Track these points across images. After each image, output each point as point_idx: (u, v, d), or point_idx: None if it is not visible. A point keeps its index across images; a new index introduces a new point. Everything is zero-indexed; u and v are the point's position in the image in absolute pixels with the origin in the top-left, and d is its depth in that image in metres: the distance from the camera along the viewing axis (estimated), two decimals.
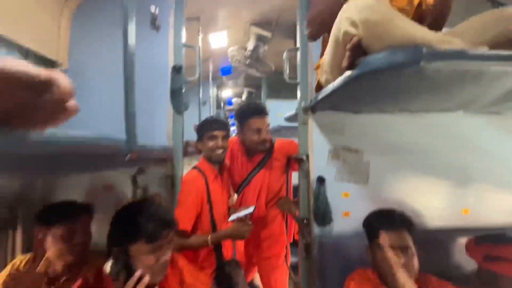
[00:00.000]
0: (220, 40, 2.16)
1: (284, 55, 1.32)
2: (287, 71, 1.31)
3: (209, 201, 1.25)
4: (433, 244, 1.17)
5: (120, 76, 0.84)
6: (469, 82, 0.72)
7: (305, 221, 1.20)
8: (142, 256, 0.76)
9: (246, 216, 1.20)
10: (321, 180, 1.18)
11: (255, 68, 2.26)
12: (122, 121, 0.79)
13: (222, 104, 4.69)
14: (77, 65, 1.12)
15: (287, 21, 2.12)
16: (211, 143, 1.29)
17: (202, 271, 1.16)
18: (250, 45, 2.07)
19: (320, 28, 0.96)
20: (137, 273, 0.73)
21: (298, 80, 1.25)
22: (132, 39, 0.75)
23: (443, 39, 0.65)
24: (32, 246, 0.99)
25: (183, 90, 1.15)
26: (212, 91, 3.36)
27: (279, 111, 3.30)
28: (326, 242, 1.14)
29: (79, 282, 0.83)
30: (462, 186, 1.28)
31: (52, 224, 0.88)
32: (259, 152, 1.46)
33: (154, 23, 1.12)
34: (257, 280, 1.78)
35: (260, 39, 2.08)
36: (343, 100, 1.02)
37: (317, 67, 1.03)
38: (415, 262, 0.88)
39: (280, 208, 1.43)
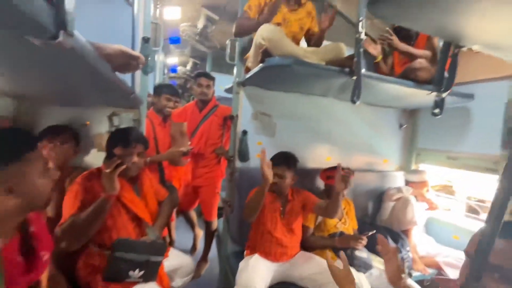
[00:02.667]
0: (173, 14, 2.46)
1: (227, 41, 1.82)
2: (228, 54, 1.83)
3: (155, 137, 1.77)
4: (308, 176, 1.95)
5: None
6: (316, 78, 1.41)
7: (231, 158, 1.81)
8: (121, 156, 1.18)
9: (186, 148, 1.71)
10: (244, 132, 1.79)
11: (203, 44, 2.66)
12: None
13: (165, 71, 4.80)
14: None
15: (234, 8, 2.56)
16: (165, 102, 1.78)
17: None
18: (200, 24, 2.45)
19: (238, 35, 1.54)
20: (115, 159, 1.10)
21: (236, 62, 1.79)
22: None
23: (306, 55, 1.30)
24: None
25: (149, 57, 1.54)
26: (159, 57, 3.54)
27: (221, 84, 3.79)
28: (243, 171, 1.79)
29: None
30: (329, 144, 2.10)
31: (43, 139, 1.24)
32: (206, 108, 2.05)
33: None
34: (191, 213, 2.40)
35: (209, 20, 2.48)
36: (261, 81, 1.62)
37: (247, 57, 1.59)
38: (287, 183, 1.53)
39: (216, 152, 2.01)
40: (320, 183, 1.93)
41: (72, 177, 1.26)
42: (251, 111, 1.82)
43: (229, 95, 3.00)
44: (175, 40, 3.27)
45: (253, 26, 1.34)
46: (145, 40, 1.52)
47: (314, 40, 1.53)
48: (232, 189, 1.78)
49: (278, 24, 1.47)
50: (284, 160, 1.55)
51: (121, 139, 1.23)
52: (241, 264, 1.44)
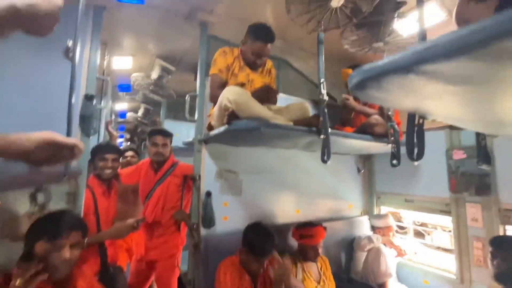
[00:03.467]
0: (124, 63, 2.29)
1: (186, 97, 1.71)
2: (188, 110, 1.70)
3: (96, 211, 1.47)
4: (278, 233, 1.80)
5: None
6: (285, 137, 1.36)
7: (195, 225, 1.57)
8: (45, 252, 0.87)
9: (136, 221, 1.44)
10: (208, 194, 1.60)
11: (157, 93, 2.50)
12: None
13: (113, 116, 4.40)
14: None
15: (190, 59, 2.51)
16: (101, 163, 1.54)
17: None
18: (155, 74, 2.32)
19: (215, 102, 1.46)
20: (34, 266, 0.82)
21: (196, 118, 1.66)
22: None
23: (274, 116, 1.24)
24: None
25: (93, 117, 1.31)
26: (107, 103, 3.23)
27: (177, 132, 3.58)
28: (210, 240, 1.55)
29: None
30: (297, 195, 2.03)
31: None
32: (163, 169, 1.80)
33: (68, 54, 1.26)
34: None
35: (164, 70, 2.37)
36: (225, 139, 1.51)
37: (210, 115, 1.48)
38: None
39: (175, 217, 1.73)
40: (291, 240, 1.80)
41: None
42: (215, 169, 1.66)
43: (187, 147, 2.82)
44: (125, 88, 3.04)
45: None
46: (88, 98, 1.31)
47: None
48: (196, 264, 1.51)
49: (243, 84, 1.43)
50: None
51: (46, 230, 0.91)
52: None
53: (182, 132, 3.59)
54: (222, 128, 1.28)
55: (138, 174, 1.82)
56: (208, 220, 1.58)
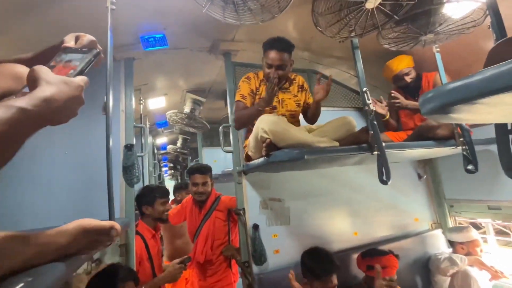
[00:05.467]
0: (158, 103, 2.39)
1: (220, 129, 1.67)
2: (222, 142, 1.65)
3: (149, 257, 1.45)
4: (338, 261, 1.60)
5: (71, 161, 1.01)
6: (334, 160, 1.21)
7: (246, 264, 1.47)
8: None
9: (183, 260, 1.43)
10: (256, 227, 1.50)
11: (191, 126, 2.55)
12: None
13: (155, 150, 4.68)
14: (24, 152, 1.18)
15: (218, 88, 2.53)
16: (161, 208, 1.54)
17: None
18: (187, 108, 2.38)
19: (241, 127, 1.42)
20: None
21: (232, 149, 1.60)
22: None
23: (317, 140, 1.11)
24: None
25: (135, 165, 1.33)
26: (148, 139, 3.42)
27: (215, 158, 3.61)
28: (263, 278, 1.43)
29: None
30: (352, 215, 1.82)
31: None
32: (206, 206, 1.76)
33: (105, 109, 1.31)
34: None
35: (195, 103, 2.42)
36: (266, 169, 1.41)
37: (245, 146, 1.41)
38: None
39: (224, 253, 1.66)
40: (354, 269, 1.58)
41: None
42: (259, 199, 1.56)
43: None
44: (162, 124, 3.19)
45: (255, 115, 1.19)
46: (128, 148, 1.33)
47: (311, 112, 1.40)
48: None
49: (274, 108, 1.34)
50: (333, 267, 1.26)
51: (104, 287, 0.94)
52: None
53: (220, 158, 3.61)
54: (261, 160, 1.19)
55: (184, 212, 1.82)
56: (259, 256, 1.47)
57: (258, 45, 1.40)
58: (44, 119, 0.36)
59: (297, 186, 1.68)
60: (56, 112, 0.37)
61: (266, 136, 1.07)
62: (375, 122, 1.17)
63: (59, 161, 1.18)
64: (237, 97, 1.37)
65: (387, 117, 1.66)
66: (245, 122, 1.32)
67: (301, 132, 1.11)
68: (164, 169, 7.57)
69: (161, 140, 4.50)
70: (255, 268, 1.46)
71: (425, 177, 2.12)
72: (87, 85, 0.42)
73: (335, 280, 1.22)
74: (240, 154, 1.57)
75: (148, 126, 2.95)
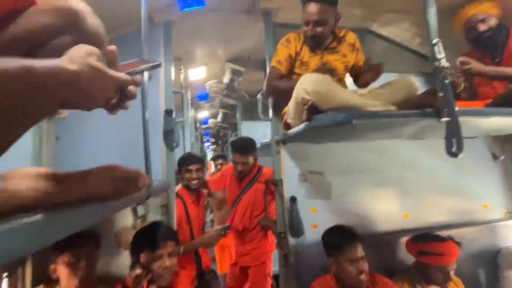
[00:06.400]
0: (199, 74, 2.39)
1: (258, 96, 1.58)
2: (261, 110, 1.57)
3: (188, 220, 1.50)
4: (381, 245, 1.46)
5: (118, 122, 1.03)
6: (387, 128, 1.03)
7: (282, 234, 1.43)
8: (149, 263, 0.96)
9: (222, 228, 1.48)
10: (293, 199, 1.43)
11: (230, 97, 2.52)
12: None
13: (198, 124, 4.87)
14: (75, 114, 1.27)
15: (258, 57, 2.41)
16: (187, 175, 1.57)
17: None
18: (226, 79, 2.33)
19: (272, 97, 1.36)
20: (143, 274, 0.91)
21: (270, 117, 1.52)
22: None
23: (367, 103, 0.95)
24: (41, 278, 1.08)
25: (174, 130, 1.34)
26: (190, 113, 3.54)
27: (253, 132, 3.59)
28: (300, 251, 1.38)
29: None
30: (402, 196, 1.62)
31: (61, 252, 1.01)
32: (248, 177, 1.77)
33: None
34: None
35: (235, 73, 2.35)
36: (306, 138, 1.30)
37: (284, 112, 1.30)
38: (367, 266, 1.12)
39: (261, 223, 1.65)
40: (401, 253, 1.43)
41: None
42: (298, 171, 1.47)
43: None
44: (203, 97, 3.24)
45: (290, 84, 1.08)
46: (168, 112, 1.34)
47: (362, 80, 1.21)
48: (288, 277, 1.37)
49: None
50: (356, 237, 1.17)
51: (146, 242, 1.00)
52: None
53: (259, 132, 3.59)
54: (301, 126, 1.08)
55: (224, 180, 1.85)
56: (296, 229, 1.41)
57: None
58: (51, 93, 0.30)
59: (340, 160, 1.54)
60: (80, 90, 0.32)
61: (308, 97, 0.95)
62: (447, 82, 0.94)
63: (107, 123, 1.24)
64: (273, 62, 1.26)
65: (462, 87, 1.34)
66: (276, 94, 1.22)
67: (349, 94, 0.96)
68: (206, 144, 7.97)
69: (203, 114, 4.63)
70: (291, 240, 1.41)
71: (502, 157, 1.75)
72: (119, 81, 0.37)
73: (360, 251, 1.12)
74: (278, 123, 1.47)
75: (189, 97, 3.02)
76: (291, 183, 1.46)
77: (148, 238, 1.00)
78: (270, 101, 1.51)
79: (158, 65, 0.47)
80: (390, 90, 1.04)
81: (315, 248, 1.41)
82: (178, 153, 1.61)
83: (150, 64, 0.46)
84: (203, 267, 1.51)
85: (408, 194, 1.62)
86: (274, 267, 1.83)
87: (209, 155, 7.97)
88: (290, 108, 1.14)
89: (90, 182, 0.44)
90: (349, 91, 0.99)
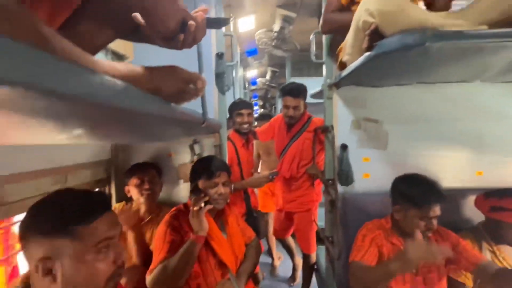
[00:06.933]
0: (248, 24, 2.31)
1: (311, 36, 1.47)
2: (314, 51, 1.47)
3: (239, 162, 1.61)
4: (448, 202, 1.33)
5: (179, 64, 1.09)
6: (471, 57, 0.86)
7: (330, 181, 1.42)
8: (206, 188, 1.08)
9: (271, 173, 1.56)
10: (344, 147, 1.37)
11: (281, 48, 2.40)
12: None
13: (246, 85, 4.87)
14: (141, 57, 1.38)
15: (311, 2, 2.20)
16: (238, 119, 1.62)
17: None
18: (276, 27, 2.20)
19: (330, 31, 1.21)
20: (202, 196, 1.03)
21: (324, 59, 1.41)
22: None
23: (447, 22, 0.79)
24: (122, 197, 1.33)
25: (225, 74, 1.37)
26: (239, 71, 3.55)
27: None
28: (348, 198, 1.36)
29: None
30: (477, 151, 1.40)
31: (132, 176, 1.22)
32: (297, 126, 1.76)
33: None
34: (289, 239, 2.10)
35: (285, 20, 2.20)
36: (364, 77, 1.18)
37: (340, 50, 1.18)
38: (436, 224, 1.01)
39: (308, 172, 1.66)
40: (468, 212, 1.29)
41: (160, 216, 1.19)
42: (351, 118, 1.39)
43: (318, 101, 2.62)
44: (252, 52, 3.17)
45: (349, 17, 0.95)
46: (219, 56, 1.36)
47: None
48: (333, 222, 1.38)
49: None
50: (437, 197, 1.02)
51: (203, 171, 1.11)
52: None
53: (309, 89, 3.43)
54: (360, 60, 0.97)
55: (272, 131, 1.87)
56: (345, 176, 1.37)
57: None
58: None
59: (402, 107, 1.38)
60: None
61: (371, 19, 0.83)
62: None
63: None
64: None
65: None
66: (334, 28, 1.10)
67: (424, 12, 0.80)
68: (255, 108, 8.07)
69: (251, 74, 4.60)
70: (340, 188, 1.39)
71: None
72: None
73: (438, 210, 1.00)
74: (333, 64, 1.36)
75: (238, 52, 3.00)
76: (343, 130, 1.39)
77: (205, 167, 1.11)
78: (324, 40, 1.39)
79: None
80: (478, 8, 0.83)
81: (365, 197, 1.37)
82: (229, 100, 1.67)
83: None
84: (252, 206, 1.64)
85: (486, 150, 1.40)
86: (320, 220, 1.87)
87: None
88: (347, 41, 1.03)
89: (154, 76, 0.48)
90: (424, 10, 0.83)
